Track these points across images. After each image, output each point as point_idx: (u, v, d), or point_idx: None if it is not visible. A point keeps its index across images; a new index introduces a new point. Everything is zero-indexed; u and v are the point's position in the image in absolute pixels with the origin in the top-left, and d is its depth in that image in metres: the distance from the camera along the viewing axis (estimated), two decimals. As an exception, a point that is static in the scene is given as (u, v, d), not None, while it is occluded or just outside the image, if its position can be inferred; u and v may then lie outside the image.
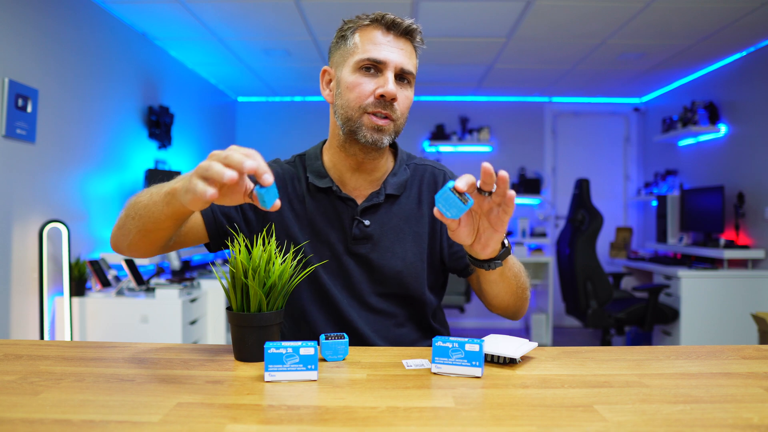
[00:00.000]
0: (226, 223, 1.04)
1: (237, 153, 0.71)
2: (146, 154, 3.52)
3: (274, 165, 1.12)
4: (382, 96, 0.97)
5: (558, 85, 4.66)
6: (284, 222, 1.07)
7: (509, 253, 0.92)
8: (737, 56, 3.78)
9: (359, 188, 1.08)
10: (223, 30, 3.37)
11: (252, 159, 0.71)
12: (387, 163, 1.10)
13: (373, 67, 0.99)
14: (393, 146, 1.14)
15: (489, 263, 0.89)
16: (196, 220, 1.03)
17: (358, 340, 1.05)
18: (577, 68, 4.13)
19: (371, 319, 1.06)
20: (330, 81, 1.06)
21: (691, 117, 4.06)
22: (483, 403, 0.66)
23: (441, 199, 0.77)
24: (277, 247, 0.97)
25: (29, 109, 2.40)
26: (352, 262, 1.06)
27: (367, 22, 1.01)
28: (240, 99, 5.18)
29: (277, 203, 0.76)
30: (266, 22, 3.25)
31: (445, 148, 5.10)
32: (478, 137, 5.02)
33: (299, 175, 1.10)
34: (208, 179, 0.71)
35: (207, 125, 4.48)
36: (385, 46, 0.99)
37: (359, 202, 1.07)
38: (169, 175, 3.31)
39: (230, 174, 0.69)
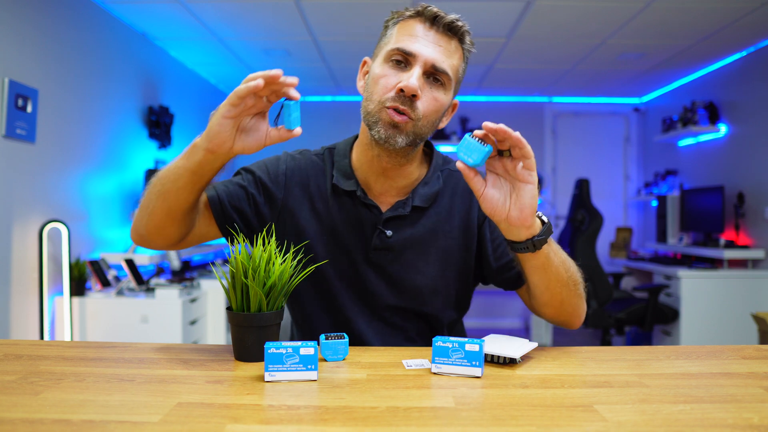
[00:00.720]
0: (235, 217, 0.99)
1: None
2: (146, 154, 3.52)
3: (298, 156, 1.06)
4: (402, 90, 0.88)
5: (558, 85, 4.66)
6: (300, 220, 1.01)
7: (551, 231, 0.86)
8: (737, 56, 3.78)
9: (385, 194, 1.01)
10: (223, 30, 3.37)
11: (277, 71, 0.75)
12: (418, 170, 1.02)
13: (403, 60, 0.91)
14: (428, 151, 1.07)
15: (532, 241, 0.84)
16: (207, 212, 0.99)
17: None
18: (577, 68, 4.13)
19: (381, 330, 1.02)
20: (366, 73, 0.99)
21: (691, 117, 4.06)
22: (483, 403, 0.66)
23: (461, 148, 0.78)
24: (284, 246, 0.96)
25: (29, 109, 2.40)
26: (371, 272, 1.00)
27: (409, 14, 0.94)
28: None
29: (298, 130, 0.80)
30: (266, 22, 3.24)
31: (445, 148, 5.10)
32: (478, 137, 5.01)
33: (326, 172, 1.03)
34: (231, 104, 0.77)
35: (207, 125, 4.47)
36: (420, 39, 0.91)
37: (384, 209, 1.00)
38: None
39: (255, 82, 0.74)
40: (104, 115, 3.05)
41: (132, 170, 3.35)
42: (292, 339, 1.09)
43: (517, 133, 0.76)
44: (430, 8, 0.92)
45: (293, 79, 0.78)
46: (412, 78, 0.88)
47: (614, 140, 5.25)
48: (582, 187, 3.67)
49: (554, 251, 0.90)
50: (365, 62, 1.01)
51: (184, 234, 0.96)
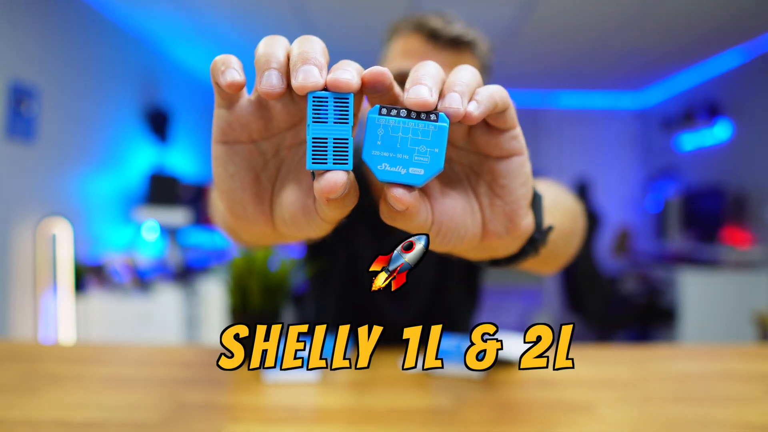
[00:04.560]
0: None
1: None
2: (146, 154, 3.52)
3: None
4: None
5: (558, 85, 4.66)
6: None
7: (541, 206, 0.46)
8: (738, 57, 3.78)
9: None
10: (223, 30, 3.37)
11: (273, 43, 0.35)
12: None
13: (401, 83, 0.78)
14: None
15: (533, 246, 0.44)
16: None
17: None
18: (577, 68, 4.13)
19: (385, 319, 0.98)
20: None
21: (692, 117, 4.06)
22: (483, 403, 0.66)
23: (373, 144, 0.32)
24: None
25: (29, 108, 2.40)
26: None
27: (408, 28, 0.81)
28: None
29: (338, 181, 0.32)
30: (266, 22, 3.25)
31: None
32: (478, 137, 5.02)
33: None
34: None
35: (207, 125, 4.47)
36: (421, 57, 0.77)
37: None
38: (170, 178, 3.31)
39: (227, 77, 0.35)
40: (104, 115, 3.05)
41: (132, 170, 3.35)
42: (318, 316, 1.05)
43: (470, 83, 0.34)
44: (428, 21, 0.78)
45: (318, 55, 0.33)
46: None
47: (614, 140, 5.24)
48: (582, 188, 3.67)
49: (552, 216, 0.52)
50: None
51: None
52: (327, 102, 0.31)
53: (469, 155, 0.38)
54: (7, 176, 2.32)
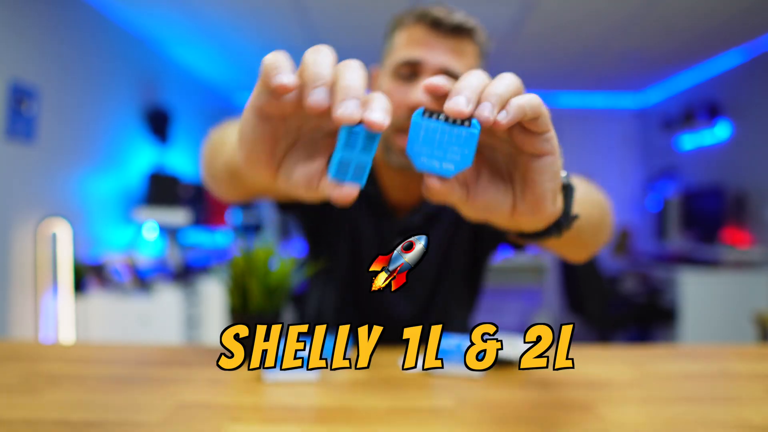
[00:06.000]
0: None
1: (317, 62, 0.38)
2: (146, 154, 3.52)
3: None
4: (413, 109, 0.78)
5: (558, 85, 4.66)
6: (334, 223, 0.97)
7: (573, 195, 0.53)
8: (738, 56, 3.78)
9: (403, 203, 0.97)
10: (223, 30, 3.37)
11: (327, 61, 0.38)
12: None
13: (411, 72, 0.83)
14: None
15: (557, 228, 0.54)
16: None
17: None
18: (577, 68, 4.13)
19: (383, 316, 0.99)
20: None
21: (692, 117, 4.06)
22: (483, 403, 0.66)
23: (418, 144, 0.39)
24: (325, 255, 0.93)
25: (29, 109, 2.40)
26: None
27: (410, 20, 0.85)
28: (240, 99, 5.18)
29: (347, 192, 0.38)
30: (266, 22, 3.25)
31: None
32: (478, 137, 5.02)
33: None
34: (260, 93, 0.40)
35: (207, 125, 4.47)
36: (426, 44, 0.82)
37: (400, 216, 0.97)
38: (170, 178, 3.31)
39: (281, 79, 0.36)
40: (104, 115, 3.05)
41: (132, 170, 3.35)
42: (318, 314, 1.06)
43: (518, 95, 0.41)
44: (431, 11, 0.83)
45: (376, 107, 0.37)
46: (420, 91, 0.77)
47: (614, 140, 5.24)
48: (582, 187, 3.67)
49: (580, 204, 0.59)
50: (375, 75, 0.92)
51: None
52: (359, 135, 0.37)
53: (510, 147, 0.44)
54: (7, 176, 2.32)
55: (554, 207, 0.46)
